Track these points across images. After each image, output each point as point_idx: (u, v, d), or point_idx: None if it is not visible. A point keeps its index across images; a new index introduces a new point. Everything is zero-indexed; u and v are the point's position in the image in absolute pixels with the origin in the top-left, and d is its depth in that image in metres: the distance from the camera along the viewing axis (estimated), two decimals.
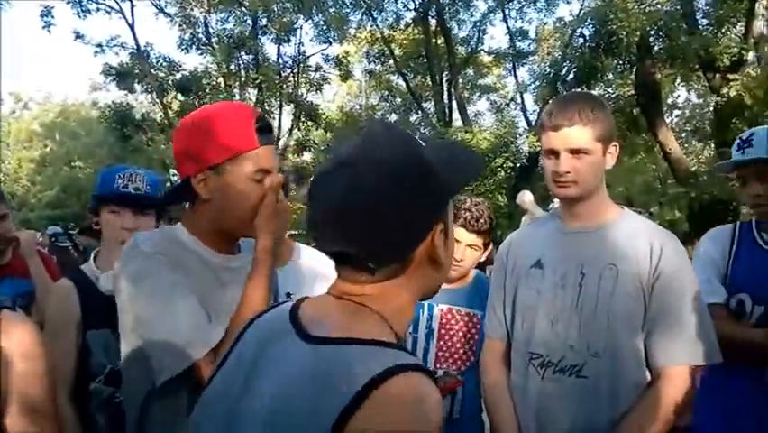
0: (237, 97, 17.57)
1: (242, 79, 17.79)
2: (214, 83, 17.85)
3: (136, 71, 17.20)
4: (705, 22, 12.26)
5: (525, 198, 6.03)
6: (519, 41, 18.77)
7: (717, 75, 11.62)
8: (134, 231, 1.84)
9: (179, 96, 17.73)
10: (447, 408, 2.09)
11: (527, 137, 15.29)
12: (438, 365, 2.13)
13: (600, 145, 1.58)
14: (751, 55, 12.26)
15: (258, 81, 17.13)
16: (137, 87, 17.95)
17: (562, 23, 16.81)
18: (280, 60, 18.27)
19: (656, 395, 1.51)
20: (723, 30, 11.91)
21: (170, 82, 17.46)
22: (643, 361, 1.55)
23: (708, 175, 11.24)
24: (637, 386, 1.54)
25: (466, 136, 15.13)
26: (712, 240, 2.02)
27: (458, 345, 2.14)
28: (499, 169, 15.63)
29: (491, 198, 15.80)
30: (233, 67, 17.74)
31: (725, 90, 11.12)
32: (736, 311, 1.87)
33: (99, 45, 17.31)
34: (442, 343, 2.14)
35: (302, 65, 18.42)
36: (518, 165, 15.54)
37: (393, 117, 21.08)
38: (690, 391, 1.52)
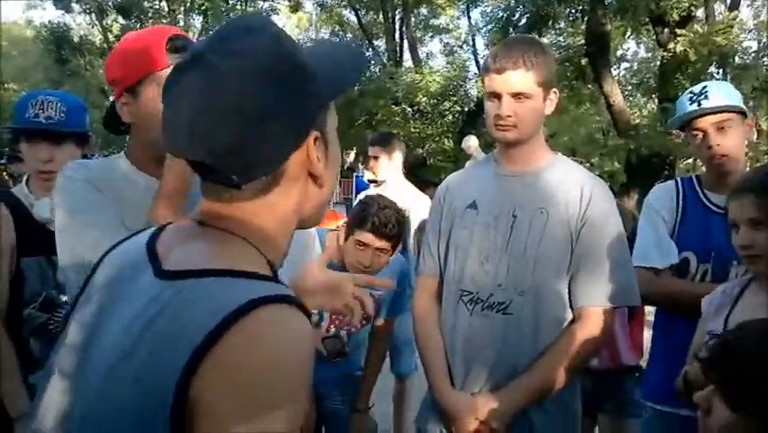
0: (181, 23, 16.76)
1: (187, 5, 16.92)
2: (157, 6, 16.91)
3: None
4: None
5: (471, 143, 6.09)
6: None
7: (666, 30, 11.83)
8: (51, 162, 1.79)
9: (120, 20, 16.76)
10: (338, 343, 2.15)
11: (477, 81, 15.29)
12: (332, 326, 2.15)
13: (541, 90, 1.59)
14: (700, 12, 12.51)
15: (203, 7, 16.34)
16: (75, 6, 16.85)
17: None
18: None
19: (572, 334, 1.60)
20: None
21: (111, 3, 16.46)
22: (566, 301, 1.62)
23: (649, 128, 11.59)
24: (559, 324, 1.62)
25: (416, 77, 15.01)
26: (658, 197, 2.03)
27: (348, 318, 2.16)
28: (447, 112, 15.64)
29: (438, 141, 15.87)
30: None
31: (672, 45, 11.35)
32: (680, 269, 1.91)
33: None
34: (334, 317, 2.15)
35: None
36: (466, 110, 15.58)
37: None
38: (604, 332, 1.60)
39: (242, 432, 0.60)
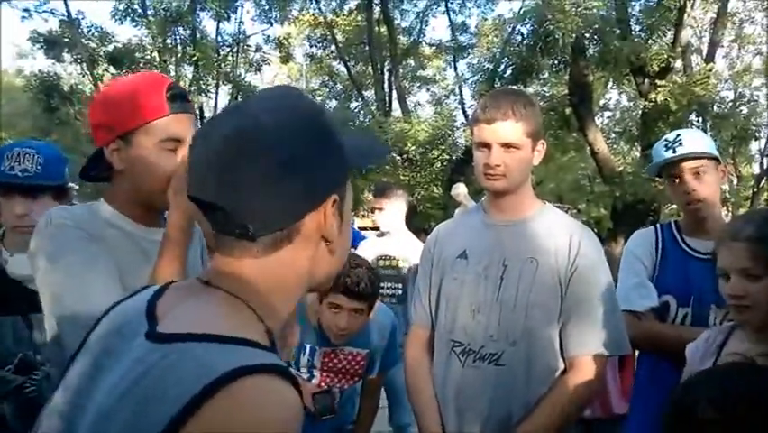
0: (173, 73, 16.98)
1: (179, 55, 17.20)
2: (149, 57, 17.16)
3: (66, 40, 16.32)
4: (637, 28, 12.78)
5: (460, 190, 6.16)
6: (460, 34, 19.01)
7: (647, 80, 12.18)
8: (27, 216, 1.72)
9: (111, 69, 16.96)
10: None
11: (464, 130, 15.54)
12: (323, 384, 2.14)
13: (530, 141, 1.62)
14: (678, 63, 12.91)
15: (195, 58, 16.61)
16: (66, 56, 17.05)
17: (502, 19, 17.18)
18: (219, 38, 17.79)
19: (565, 383, 1.59)
20: (654, 37, 12.46)
21: (102, 53, 16.69)
22: (557, 350, 1.62)
23: (633, 175, 11.78)
24: (551, 374, 1.61)
25: (405, 126, 15.23)
26: (638, 244, 2.06)
27: (339, 377, 2.16)
28: (436, 160, 15.81)
29: (427, 188, 15.99)
30: (169, 41, 17.10)
31: (652, 95, 11.66)
32: (660, 312, 1.93)
33: (27, 10, 16.40)
34: (323, 376, 2.14)
35: (241, 44, 18.00)
36: (454, 158, 15.76)
37: (333, 103, 20.93)
38: (597, 380, 1.60)
39: None
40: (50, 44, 16.44)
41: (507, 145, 1.60)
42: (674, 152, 1.95)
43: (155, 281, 1.12)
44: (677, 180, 1.96)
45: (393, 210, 3.54)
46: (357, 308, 2.00)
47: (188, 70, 17.53)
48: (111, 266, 1.22)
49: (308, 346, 2.14)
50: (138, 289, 0.83)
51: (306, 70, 23.10)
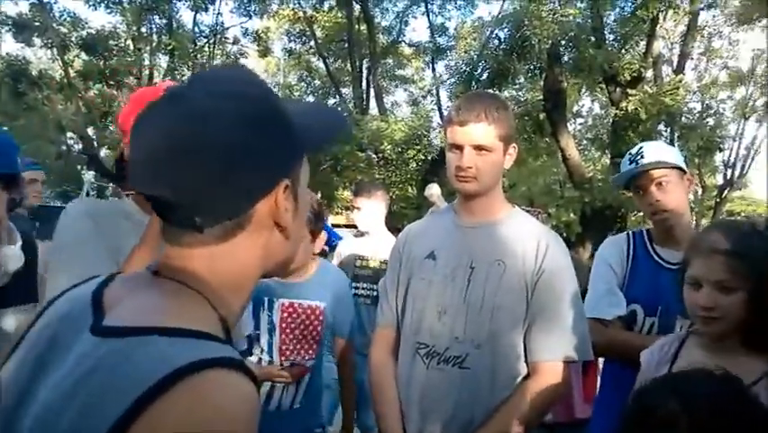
0: (147, 62, 16.70)
1: (153, 44, 16.92)
2: (123, 45, 16.84)
3: (36, 24, 15.89)
4: (611, 38, 13.02)
5: (433, 191, 6.16)
6: (439, 36, 19.08)
7: (618, 89, 12.41)
8: None
9: (83, 56, 16.60)
10: (291, 397, 2.14)
11: (440, 131, 15.61)
12: (283, 358, 2.16)
13: (502, 145, 1.64)
14: (649, 73, 13.17)
15: (170, 47, 16.36)
16: (36, 41, 16.60)
17: (481, 22, 17.29)
18: (196, 29, 17.53)
19: (528, 388, 1.60)
20: (626, 47, 12.71)
21: (74, 39, 16.29)
22: (521, 354, 1.62)
23: (602, 182, 11.98)
24: (515, 378, 1.62)
25: (381, 125, 15.24)
26: (610, 251, 2.07)
27: (300, 337, 2.17)
28: (411, 160, 15.86)
29: (402, 188, 16.03)
30: (144, 30, 16.82)
31: (624, 104, 11.89)
32: (628, 321, 1.94)
33: None
34: (284, 336, 2.16)
35: (219, 36, 17.77)
36: (430, 158, 15.83)
37: (310, 99, 20.83)
38: (560, 385, 1.61)
39: None
40: (20, 28, 15.99)
41: (478, 148, 1.61)
42: (637, 164, 1.98)
43: (128, 265, 1.13)
44: (641, 192, 1.99)
45: (373, 210, 3.46)
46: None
47: (163, 60, 17.27)
48: (101, 251, 1.25)
49: (266, 299, 2.16)
50: (87, 278, 0.79)
51: (284, 65, 22.94)
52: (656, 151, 2.02)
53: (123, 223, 1.32)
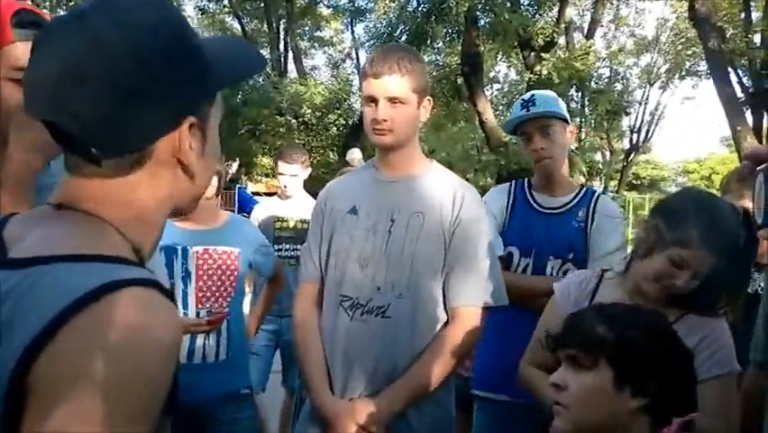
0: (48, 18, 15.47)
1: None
2: None
3: None
4: (526, 2, 13.28)
5: (355, 155, 6.16)
6: None
7: (532, 53, 12.74)
8: None
9: None
10: (214, 349, 2.15)
11: (360, 96, 15.54)
12: (200, 305, 2.16)
13: (416, 97, 1.65)
14: (562, 40, 13.60)
15: (72, 2, 15.24)
16: None
17: None
18: None
19: (447, 335, 1.65)
20: (540, 12, 13.01)
21: None
22: (440, 302, 1.67)
23: (517, 145, 12.36)
24: (435, 325, 1.66)
25: (300, 88, 14.97)
26: (493, 198, 2.21)
27: (218, 284, 2.19)
28: (332, 125, 15.75)
29: (323, 153, 15.91)
30: None
31: (537, 68, 12.24)
32: (506, 262, 2.07)
33: None
34: (201, 283, 2.17)
35: None
36: (350, 123, 15.77)
37: None
38: (477, 330, 1.67)
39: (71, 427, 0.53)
40: None
41: (393, 100, 1.62)
42: (527, 110, 2.09)
43: None
44: (528, 138, 2.11)
45: (300, 175, 3.49)
46: None
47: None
48: None
49: (179, 247, 2.14)
50: None
51: (198, 24, 21.93)
52: (546, 100, 2.13)
53: None
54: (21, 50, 1.17)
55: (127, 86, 0.64)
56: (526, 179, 2.22)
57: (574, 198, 2.13)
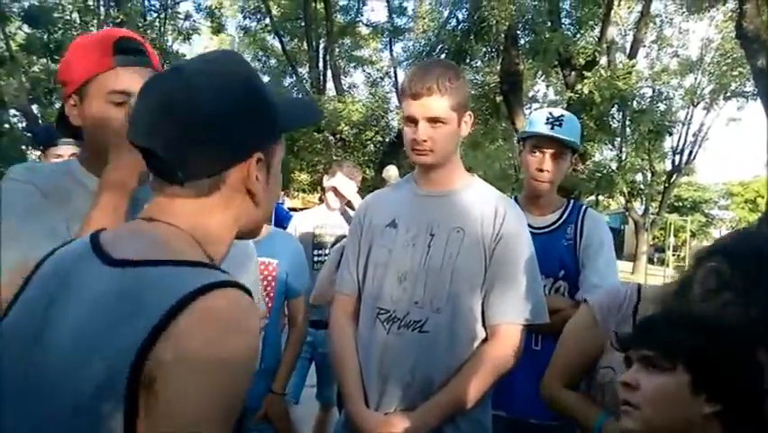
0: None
1: (101, 17, 16.27)
2: (68, 17, 16.15)
3: None
4: (567, 21, 13.20)
5: (391, 172, 6.19)
6: (397, 16, 18.98)
7: (573, 72, 12.61)
8: None
9: (25, 28, 15.85)
10: None
11: (398, 113, 15.61)
12: None
13: (456, 115, 1.64)
14: (603, 59, 13.44)
15: (119, 21, 15.77)
16: None
17: (439, 2, 17.25)
18: (146, 2, 16.95)
19: (486, 351, 1.62)
20: (581, 31, 12.91)
21: (15, 10, 15.53)
22: (479, 318, 1.65)
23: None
24: (473, 342, 1.64)
25: (339, 105, 15.12)
26: None
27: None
28: (369, 142, 15.84)
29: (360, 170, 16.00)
30: (90, 2, 16.15)
31: (578, 87, 12.10)
32: None
33: None
34: None
35: (170, 10, 17.23)
36: (387, 140, 15.84)
37: (266, 79, 20.47)
38: (517, 348, 1.63)
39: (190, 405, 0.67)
40: None
41: (433, 120, 1.61)
42: (552, 129, 2.06)
43: (87, 229, 1.12)
44: (537, 153, 2.09)
45: (349, 190, 3.51)
46: None
47: None
48: (47, 226, 1.20)
49: None
50: (66, 241, 0.90)
51: (239, 43, 22.44)
52: (572, 127, 2.11)
53: (71, 187, 1.30)
54: (122, 76, 1.27)
55: (207, 121, 0.79)
56: (515, 197, 2.20)
57: (561, 214, 2.15)
